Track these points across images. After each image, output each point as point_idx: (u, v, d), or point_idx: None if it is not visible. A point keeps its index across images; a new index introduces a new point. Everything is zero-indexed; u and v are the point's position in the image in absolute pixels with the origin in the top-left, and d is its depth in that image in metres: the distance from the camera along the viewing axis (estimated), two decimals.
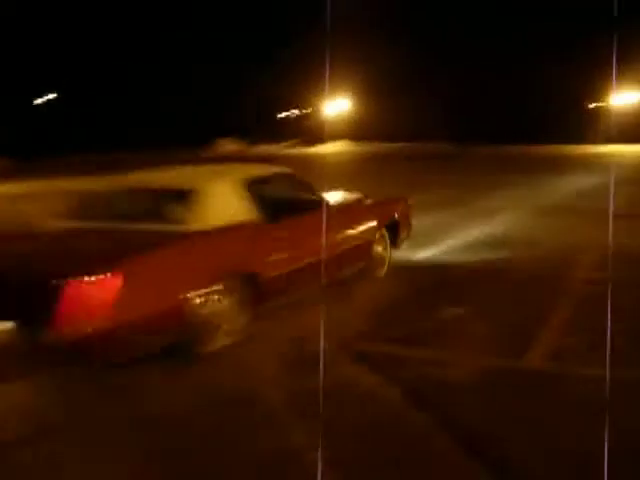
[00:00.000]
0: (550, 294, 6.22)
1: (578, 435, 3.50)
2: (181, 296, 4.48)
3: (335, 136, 62.68)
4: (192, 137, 57.04)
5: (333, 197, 6.83)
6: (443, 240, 9.11)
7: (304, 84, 60.45)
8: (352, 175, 18.13)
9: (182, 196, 5.11)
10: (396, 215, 7.36)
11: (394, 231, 7.31)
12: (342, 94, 62.05)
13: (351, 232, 6.55)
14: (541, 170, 21.83)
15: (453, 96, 62.61)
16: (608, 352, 3.89)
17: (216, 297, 4.76)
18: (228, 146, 61.23)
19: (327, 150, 55.50)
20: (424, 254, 8.27)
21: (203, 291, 4.63)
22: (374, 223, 6.90)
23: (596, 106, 58.54)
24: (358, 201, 7.13)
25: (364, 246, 6.72)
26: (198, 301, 4.58)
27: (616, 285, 5.00)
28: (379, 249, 7.03)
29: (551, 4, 58.78)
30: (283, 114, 71.61)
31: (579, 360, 4.55)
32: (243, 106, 62.63)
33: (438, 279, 7.05)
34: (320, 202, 6.16)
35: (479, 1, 64.76)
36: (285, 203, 5.83)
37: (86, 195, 5.72)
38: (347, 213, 6.65)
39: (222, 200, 5.23)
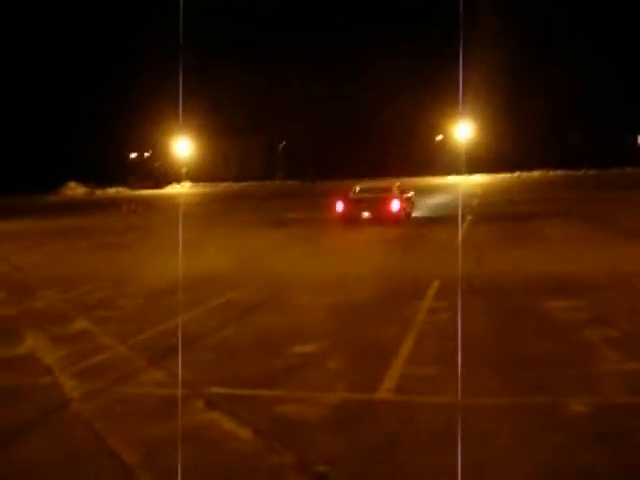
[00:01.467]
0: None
1: (433, 466, 3.76)
2: (403, 204, 18.35)
3: (178, 178, 70.96)
4: (43, 180, 61.90)
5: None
6: None
7: (150, 127, 66.99)
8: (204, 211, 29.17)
9: (389, 188, 18.64)
10: (412, 198, 20.09)
11: (413, 204, 20.08)
12: (186, 136, 69.72)
13: (410, 202, 19.72)
14: None
15: (291, 138, 69.93)
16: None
17: (408, 208, 17.85)
18: (77, 189, 67.03)
19: (171, 191, 62.59)
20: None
21: (406, 205, 17.63)
22: (410, 200, 19.60)
23: (441, 139, 66.61)
24: (409, 192, 20.06)
25: (409, 207, 19.95)
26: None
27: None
28: (410, 210, 19.65)
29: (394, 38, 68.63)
30: (132, 156, 77.28)
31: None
32: (91, 149, 67.80)
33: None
34: (405, 191, 18.82)
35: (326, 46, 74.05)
36: (401, 191, 18.29)
37: (365, 188, 18.94)
38: (409, 196, 19.77)
39: (396, 189, 18.20)
